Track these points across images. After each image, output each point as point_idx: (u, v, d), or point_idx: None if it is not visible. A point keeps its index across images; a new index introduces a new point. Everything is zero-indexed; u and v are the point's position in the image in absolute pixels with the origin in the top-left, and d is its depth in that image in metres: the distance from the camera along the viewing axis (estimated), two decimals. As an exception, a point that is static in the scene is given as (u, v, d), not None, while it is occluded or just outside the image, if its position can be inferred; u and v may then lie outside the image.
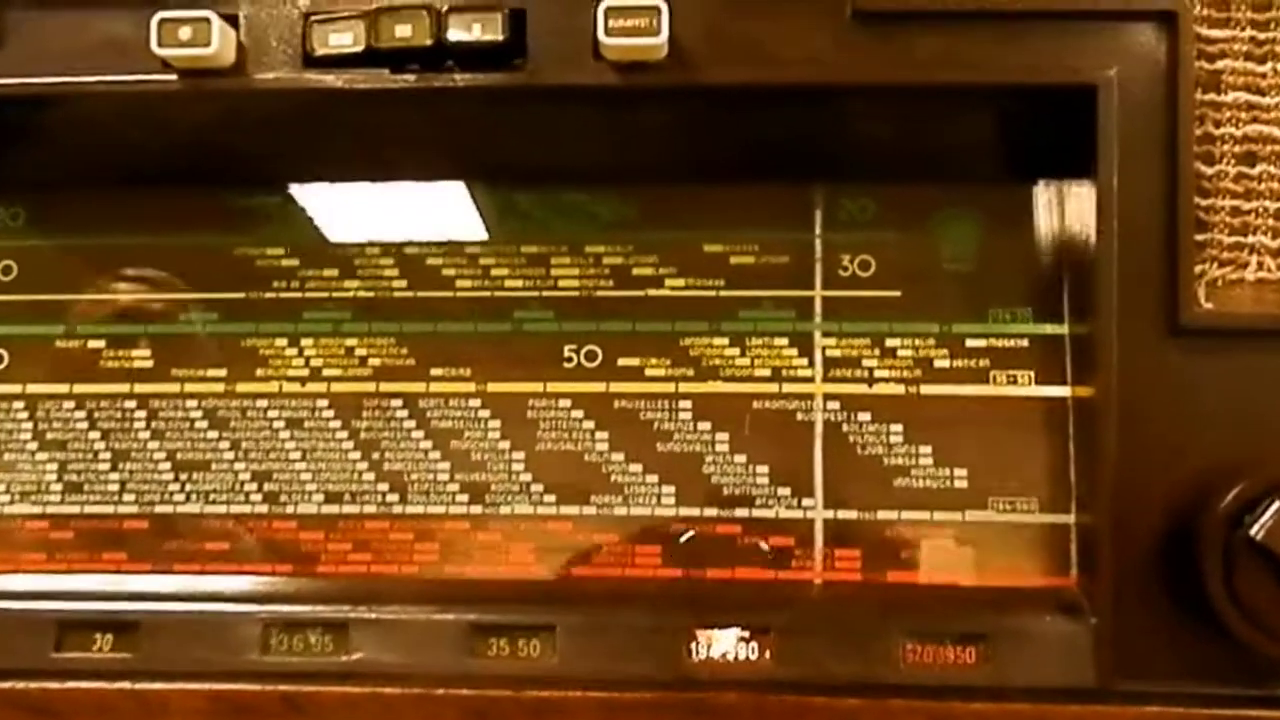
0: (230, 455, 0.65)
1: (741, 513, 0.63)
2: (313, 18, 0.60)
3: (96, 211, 0.66)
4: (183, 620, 0.60)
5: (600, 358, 0.64)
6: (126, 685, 0.60)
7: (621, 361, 0.64)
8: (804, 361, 0.64)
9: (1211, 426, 0.57)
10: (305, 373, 0.65)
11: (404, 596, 0.61)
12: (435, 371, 0.65)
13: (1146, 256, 0.58)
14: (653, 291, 0.64)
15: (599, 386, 0.64)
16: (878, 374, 0.63)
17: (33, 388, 0.66)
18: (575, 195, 0.65)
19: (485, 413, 0.64)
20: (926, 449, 0.63)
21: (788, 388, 0.63)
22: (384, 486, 0.64)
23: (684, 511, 0.63)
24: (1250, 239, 0.58)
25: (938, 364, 0.63)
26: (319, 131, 0.64)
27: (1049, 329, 0.63)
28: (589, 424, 0.64)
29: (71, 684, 0.60)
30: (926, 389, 0.63)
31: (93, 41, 0.61)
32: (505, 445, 0.64)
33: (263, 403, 0.65)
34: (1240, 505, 0.55)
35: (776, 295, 0.64)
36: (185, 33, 0.59)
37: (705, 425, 0.63)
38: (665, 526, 0.63)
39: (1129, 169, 0.58)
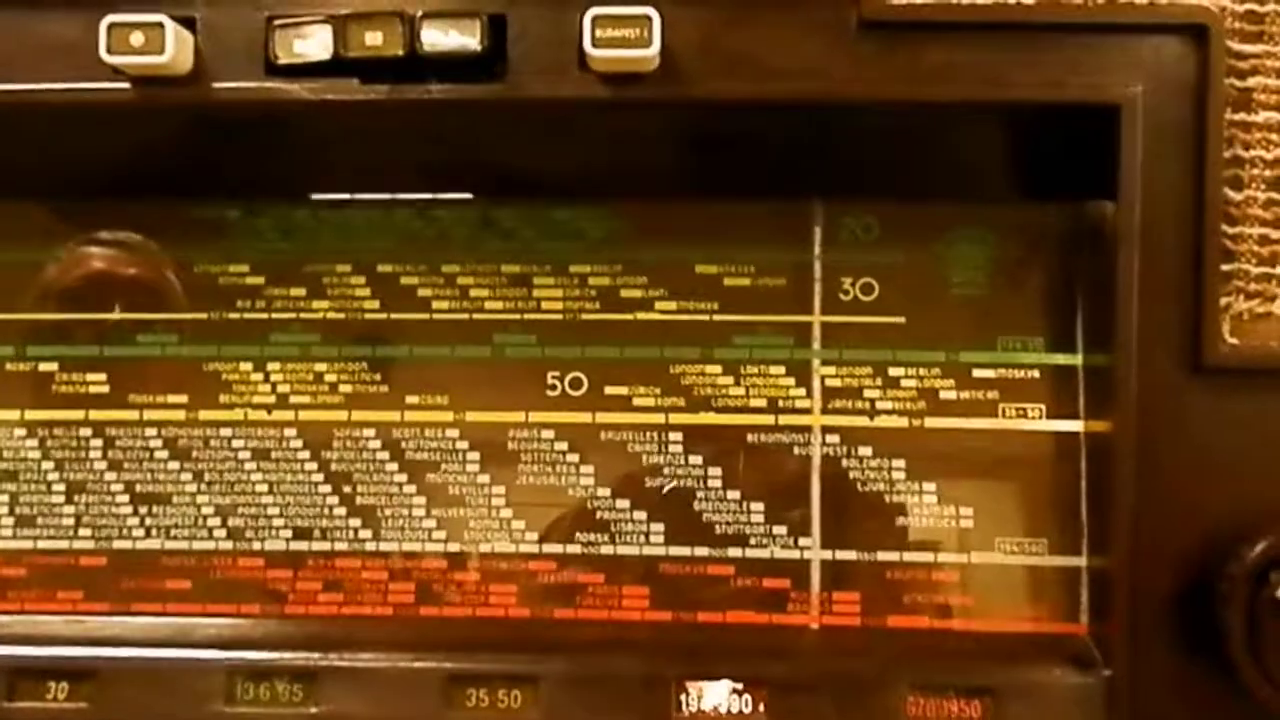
0: (192, 488, 0.61)
1: (734, 552, 0.59)
2: (276, 22, 0.55)
3: (44, 225, 0.62)
4: (143, 667, 0.57)
5: (585, 385, 0.61)
6: (83, 737, 0.57)
7: (608, 390, 0.60)
8: (801, 391, 0.60)
9: (1236, 471, 0.54)
10: (272, 400, 0.61)
11: (377, 642, 0.57)
12: (410, 399, 0.61)
13: (1169, 287, 0.54)
14: (642, 315, 0.61)
15: (584, 416, 0.60)
16: (880, 405, 0.60)
17: (-19, 414, 0.63)
18: (560, 211, 0.61)
19: (463, 444, 0.61)
20: (930, 486, 0.59)
21: (784, 419, 0.60)
22: (356, 522, 0.60)
23: (673, 550, 0.60)
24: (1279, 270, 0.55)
25: (943, 395, 0.60)
26: (284, 142, 0.60)
27: (1062, 359, 0.59)
28: (573, 456, 0.60)
29: (24, 736, 0.57)
30: (931, 422, 0.59)
31: (38, 46, 0.56)
32: (484, 479, 0.60)
33: (227, 431, 0.61)
34: (1266, 561, 0.52)
35: (773, 320, 0.60)
36: (137, 38, 0.55)
37: (696, 459, 0.60)
38: (654, 566, 0.60)
39: (1152, 192, 0.54)
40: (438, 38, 0.54)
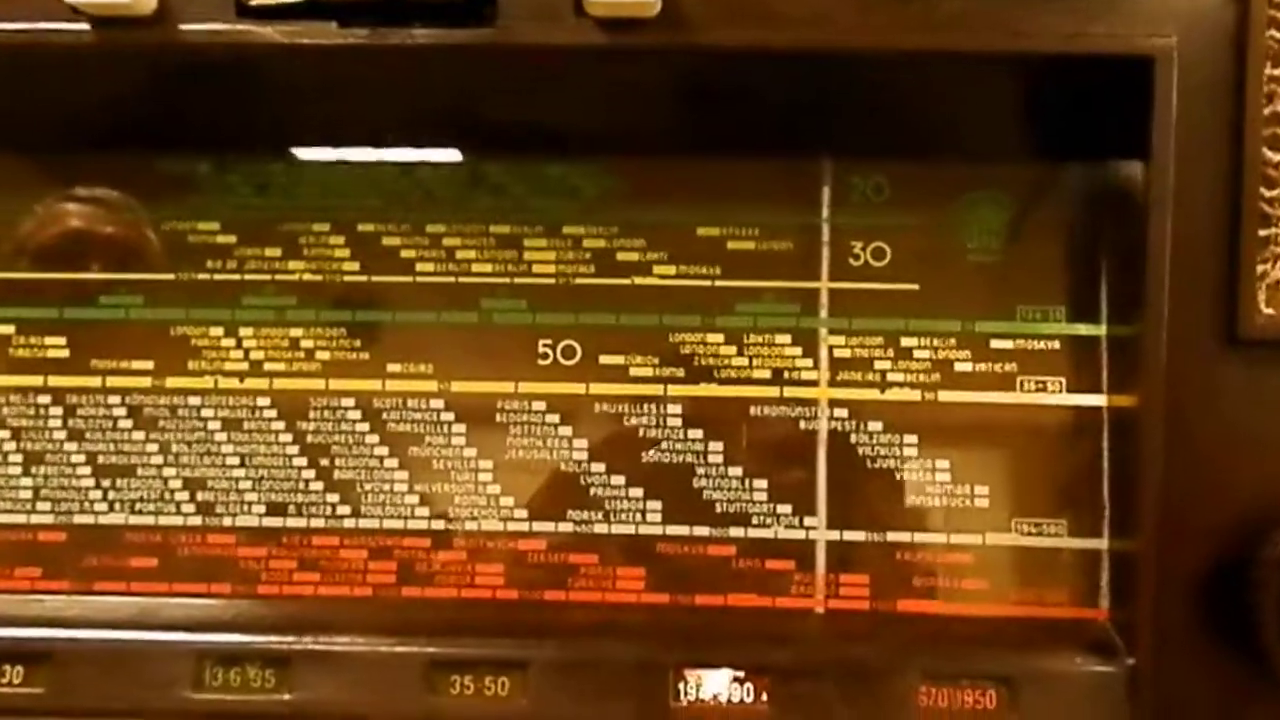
0: (159, 460, 0.57)
1: (736, 532, 0.56)
2: (248, -41, 0.52)
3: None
4: (105, 650, 0.53)
5: (579, 354, 0.57)
6: (39, 725, 0.54)
7: (603, 359, 0.57)
8: (808, 362, 0.56)
9: (1270, 449, 0.51)
10: (244, 366, 0.57)
11: (355, 625, 0.54)
12: (392, 368, 0.57)
13: (1201, 253, 0.51)
14: (639, 280, 0.57)
15: (577, 387, 0.57)
16: (891, 377, 0.56)
17: (-68, 379, 0.59)
18: (553, 168, 0.57)
19: (448, 415, 0.57)
20: (944, 463, 0.56)
21: (790, 391, 0.56)
22: (333, 497, 0.57)
23: (671, 530, 0.56)
24: (1319, 236, 0.52)
25: (959, 367, 0.56)
26: (258, 90, 0.56)
27: (1084, 330, 0.56)
28: (566, 429, 0.57)
29: (-25, 723, 0.54)
30: (945, 395, 0.56)
31: (-9, -17, 0.53)
32: (471, 453, 0.57)
33: (195, 400, 0.57)
34: (1303, 545, 0.49)
35: (778, 286, 0.57)
36: (98, -25, 0.51)
37: (697, 433, 0.56)
38: (650, 546, 0.57)
39: (1186, 153, 0.51)
40: (423, -22, 0.51)
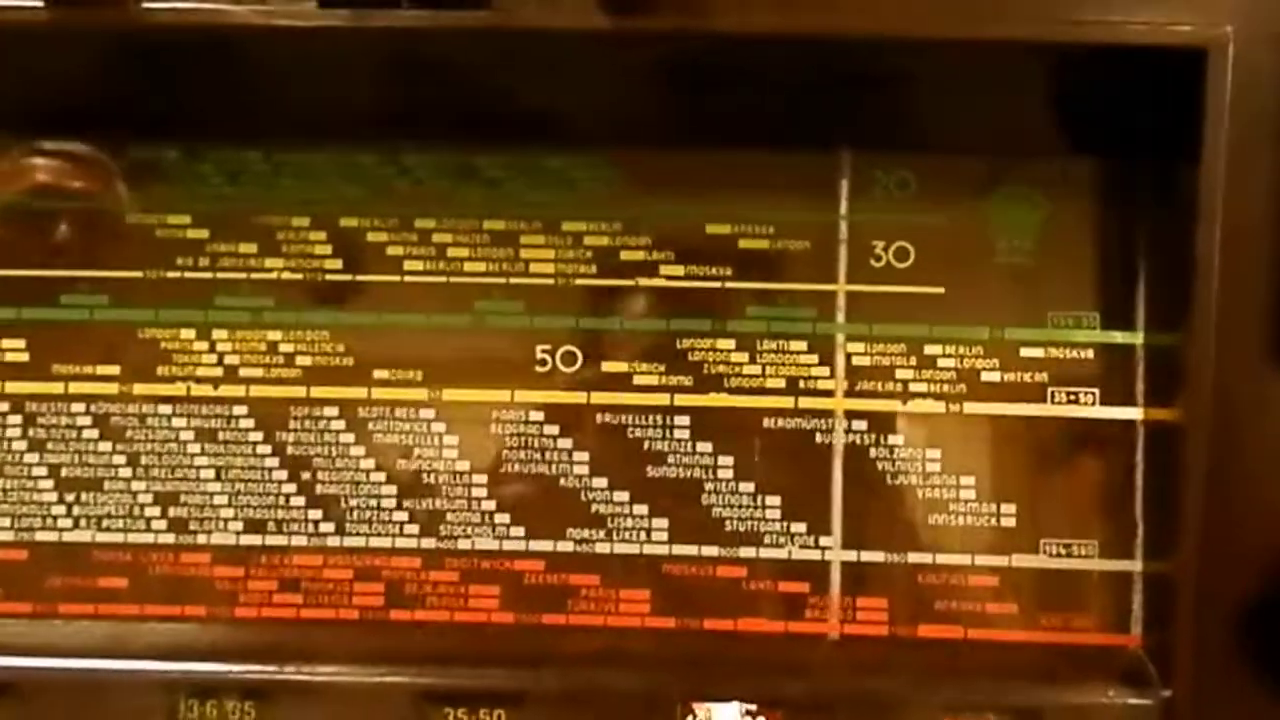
0: (127, 472, 0.53)
1: (747, 552, 0.53)
2: (220, -72, 0.47)
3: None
4: (70, 681, 0.50)
5: (580, 361, 0.53)
6: (0, 764, 0.50)
7: (606, 366, 0.53)
8: (825, 371, 0.53)
9: (1318, 472, 0.49)
10: (218, 372, 0.53)
11: (340, 652, 0.51)
12: (379, 374, 0.53)
13: (1252, 263, 0.48)
14: (644, 281, 0.53)
15: (578, 396, 0.53)
16: (913, 388, 0.53)
17: (-121, 384, 0.55)
18: (551, 159, 0.53)
19: (439, 426, 0.53)
20: (969, 480, 0.53)
21: (805, 402, 0.53)
22: (316, 514, 0.53)
23: (678, 549, 0.53)
24: (1379, 244, 0.49)
25: (986, 377, 0.53)
26: (231, 72, 0.51)
27: (1119, 338, 0.52)
28: (565, 442, 0.53)
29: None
30: (971, 407, 0.53)
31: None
32: (464, 466, 0.53)
33: (166, 408, 0.53)
34: (1356, 577, 0.46)
35: (794, 289, 0.53)
36: (52, -52, 0.47)
37: (705, 446, 0.53)
38: (656, 567, 0.53)
39: (1238, 153, 0.47)
40: (412, -45, 0.47)
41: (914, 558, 0.53)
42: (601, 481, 0.53)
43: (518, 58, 0.50)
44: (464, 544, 0.53)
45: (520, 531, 0.53)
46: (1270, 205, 0.47)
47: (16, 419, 0.53)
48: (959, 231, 0.53)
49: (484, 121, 0.53)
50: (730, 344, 0.53)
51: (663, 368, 0.53)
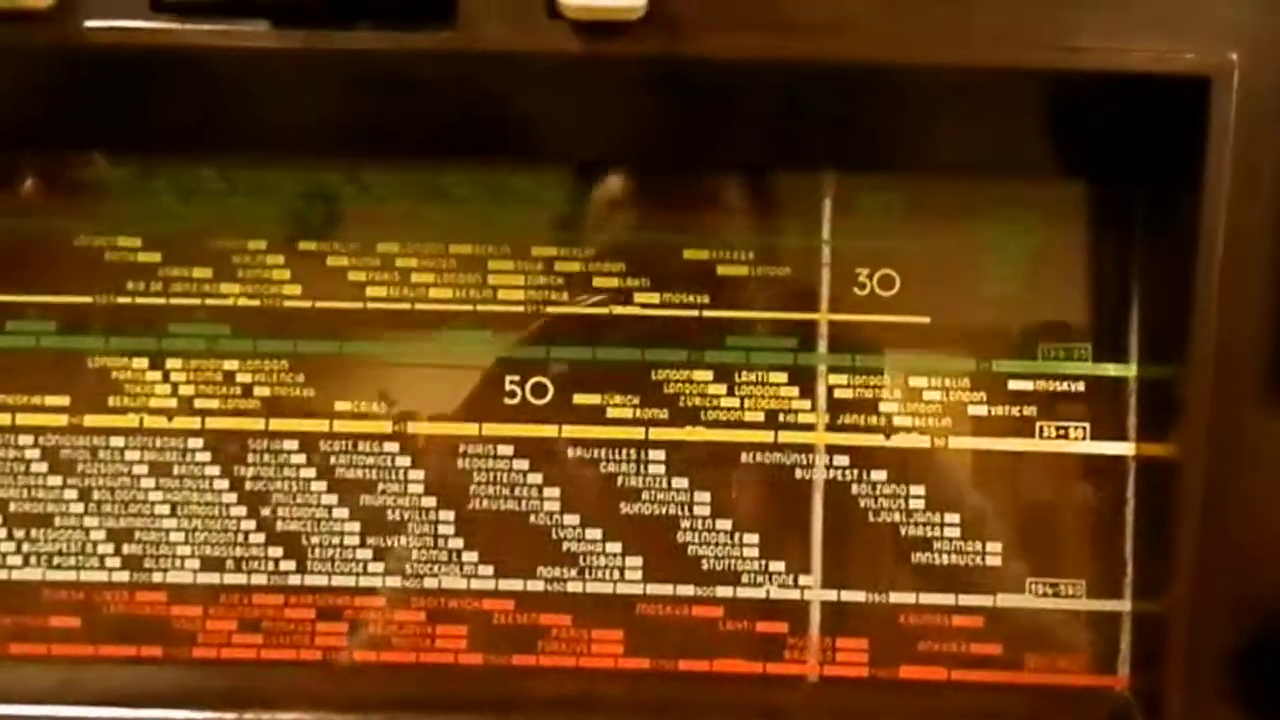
0: (79, 508, 0.51)
1: (724, 591, 0.51)
2: (165, -56, 0.44)
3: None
4: (20, 728, 0.49)
5: (550, 393, 0.51)
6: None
7: (578, 398, 0.51)
8: (806, 403, 0.51)
9: (1318, 518, 0.47)
10: (172, 404, 0.51)
11: (302, 696, 0.49)
12: (340, 405, 0.51)
13: (1252, 298, 0.46)
14: (618, 309, 0.51)
15: (549, 430, 0.51)
16: (897, 422, 0.51)
17: None
18: (520, 179, 0.51)
19: (404, 460, 0.51)
20: (953, 517, 0.51)
21: (785, 436, 0.51)
22: (276, 551, 0.51)
23: (652, 588, 0.51)
24: (1383, 282, 0.47)
25: (972, 411, 0.51)
26: (181, 84, 0.49)
27: (1112, 370, 0.51)
28: (535, 477, 0.51)
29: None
30: (957, 442, 0.51)
31: None
32: (430, 502, 0.51)
33: (119, 441, 0.51)
34: (1352, 628, 0.45)
35: (774, 317, 0.51)
36: (-18, -39, 0.44)
37: (681, 481, 0.51)
38: (630, 606, 0.52)
39: (1242, 183, 0.45)
40: (369, -25, 0.44)
41: (896, 597, 0.51)
42: (573, 518, 0.51)
43: (485, 74, 0.48)
44: (430, 583, 0.51)
45: (489, 570, 0.51)
46: (1272, 237, 0.46)
47: (-39, 452, 0.52)
48: (946, 258, 0.51)
49: (450, 137, 0.51)
50: (708, 375, 0.51)
51: (637, 400, 0.51)
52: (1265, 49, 0.44)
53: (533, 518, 0.51)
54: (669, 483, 0.51)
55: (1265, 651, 0.47)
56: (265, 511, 0.51)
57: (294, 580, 0.51)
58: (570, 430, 0.51)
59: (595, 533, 0.51)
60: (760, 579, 0.51)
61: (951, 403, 0.51)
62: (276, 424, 0.51)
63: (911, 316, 0.51)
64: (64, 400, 0.51)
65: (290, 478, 0.51)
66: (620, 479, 0.51)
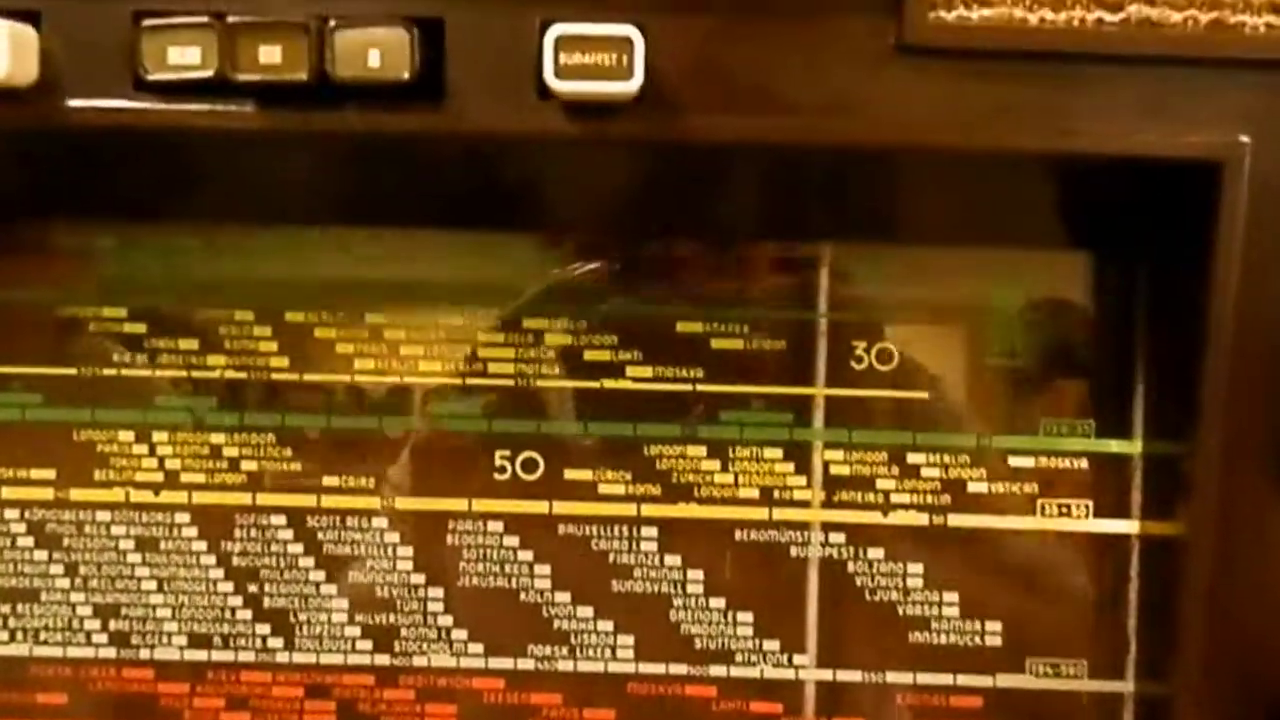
0: (65, 583, 0.50)
1: (717, 671, 0.50)
2: (145, 23, 0.43)
3: None
4: (5, 809, 0.48)
5: (541, 468, 0.50)
6: None
7: (569, 474, 0.50)
8: (801, 480, 0.50)
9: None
10: (159, 478, 0.50)
11: (290, 775, 0.49)
12: (328, 481, 0.50)
13: (1260, 383, 0.44)
14: (609, 383, 0.50)
15: (539, 506, 0.50)
16: (895, 499, 0.50)
17: None
18: (511, 249, 0.50)
19: (393, 536, 0.50)
20: (952, 596, 0.50)
21: (780, 513, 0.50)
22: (264, 628, 0.50)
23: (645, 668, 0.50)
24: (1396, 367, 0.45)
25: (972, 488, 0.50)
26: (165, 159, 0.48)
27: (1115, 447, 0.50)
28: (526, 554, 0.50)
29: None
30: (956, 520, 0.50)
31: None
32: (419, 579, 0.50)
33: (105, 515, 0.50)
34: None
35: (769, 392, 0.50)
36: (-38, 42, 0.43)
37: (674, 559, 0.50)
38: (621, 686, 0.51)
39: (1254, 264, 0.43)
40: (354, 59, 0.43)
41: (892, 677, 0.50)
42: (564, 596, 0.50)
43: (476, 145, 0.47)
44: (419, 660, 0.50)
45: (479, 648, 0.50)
46: (1280, 325, 0.45)
47: (-54, 526, 0.51)
48: (946, 331, 0.50)
49: (440, 207, 0.50)
50: (701, 451, 0.50)
51: (629, 476, 0.50)
52: (1276, 131, 0.43)
53: (523, 595, 0.50)
54: (661, 560, 0.50)
55: (1273, 736, 0.47)
56: (252, 587, 0.50)
57: (282, 657, 0.50)
58: (561, 506, 0.50)
59: (586, 610, 0.50)
60: (754, 658, 0.50)
61: (950, 480, 0.50)
62: (264, 499, 0.50)
63: (910, 391, 0.50)
64: (50, 474, 0.50)
65: (278, 553, 0.50)
66: (612, 556, 0.50)
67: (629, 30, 0.41)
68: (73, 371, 0.50)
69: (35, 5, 0.43)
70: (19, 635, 0.51)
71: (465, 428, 0.50)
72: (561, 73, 0.41)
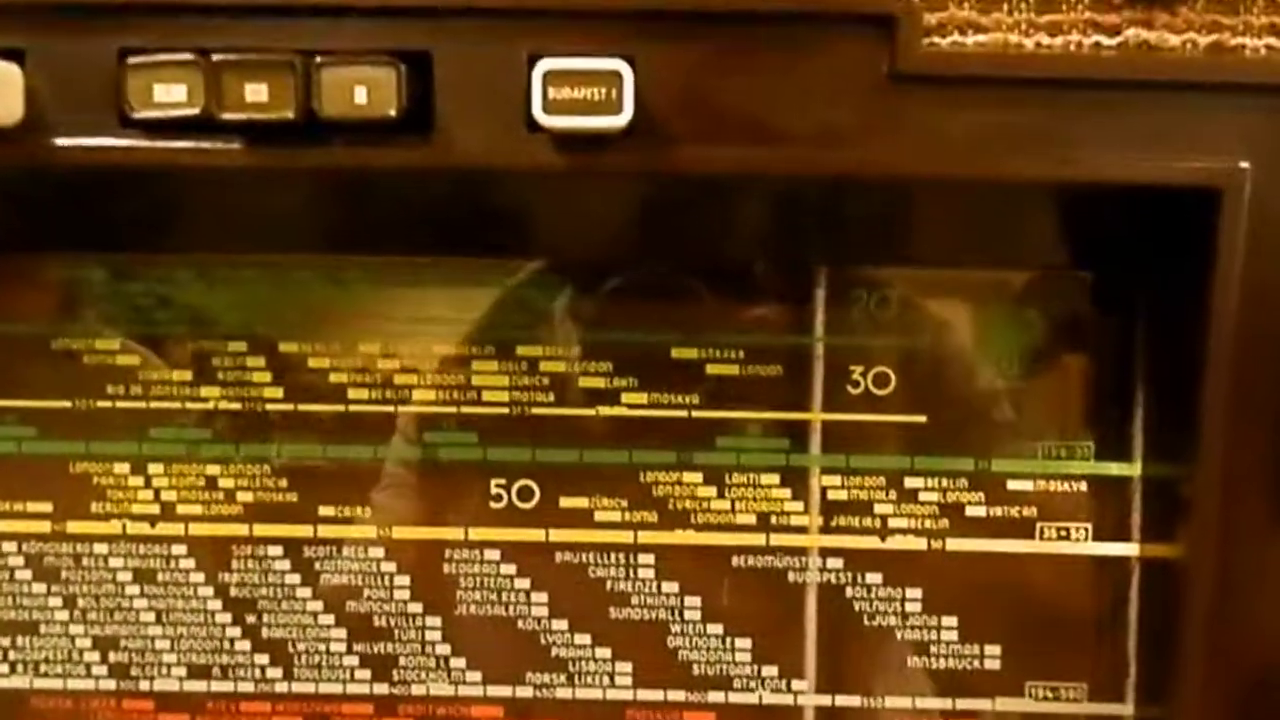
0: (64, 615, 0.50)
1: (716, 697, 0.50)
2: (130, 60, 0.42)
3: None
4: (9, 843, 0.48)
5: (537, 496, 0.50)
6: None
7: (565, 502, 0.50)
8: (798, 506, 0.49)
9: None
10: (155, 509, 0.50)
11: (290, 805, 0.49)
12: (324, 511, 0.50)
13: (1261, 414, 0.44)
14: (605, 410, 0.50)
15: (536, 534, 0.50)
16: (892, 524, 0.49)
17: None
18: (505, 278, 0.49)
19: (390, 565, 0.50)
20: (950, 620, 0.50)
21: (777, 539, 0.50)
22: (263, 659, 0.50)
23: (643, 694, 0.50)
24: (1396, 392, 0.45)
25: (970, 512, 0.49)
26: (155, 191, 0.48)
27: (1115, 469, 0.49)
28: (523, 582, 0.50)
29: None
30: (954, 544, 0.49)
31: None
32: (416, 608, 0.50)
33: (102, 548, 0.50)
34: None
35: (765, 418, 0.49)
36: (-54, 83, 0.42)
37: (671, 586, 0.50)
38: (619, 713, 0.51)
39: (1254, 288, 0.43)
40: (341, 97, 0.42)
41: (891, 702, 0.50)
42: (562, 623, 0.50)
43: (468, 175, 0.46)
44: (418, 689, 0.50)
45: (477, 676, 0.50)
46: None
47: (-56, 559, 0.51)
48: (944, 355, 0.49)
49: (433, 235, 0.50)
50: (697, 477, 0.50)
51: (625, 503, 0.50)
52: (1276, 156, 0.42)
53: (520, 623, 0.50)
54: (659, 587, 0.50)
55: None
56: (250, 618, 0.50)
57: (281, 688, 0.50)
58: (557, 534, 0.50)
59: (584, 638, 0.50)
60: (753, 684, 0.50)
61: (948, 504, 0.49)
62: (260, 530, 0.50)
63: (907, 416, 0.49)
64: (46, 506, 0.50)
65: (275, 584, 0.50)
66: (609, 583, 0.50)
67: (618, 64, 0.40)
68: (68, 404, 0.50)
69: (20, 44, 0.42)
70: (19, 668, 0.51)
71: (461, 456, 0.50)
72: (550, 108, 0.41)
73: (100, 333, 0.50)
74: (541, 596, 0.50)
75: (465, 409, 0.50)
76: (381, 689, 0.50)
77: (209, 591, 0.50)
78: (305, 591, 0.50)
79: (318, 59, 0.41)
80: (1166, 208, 0.44)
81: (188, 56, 0.42)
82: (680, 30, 0.42)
